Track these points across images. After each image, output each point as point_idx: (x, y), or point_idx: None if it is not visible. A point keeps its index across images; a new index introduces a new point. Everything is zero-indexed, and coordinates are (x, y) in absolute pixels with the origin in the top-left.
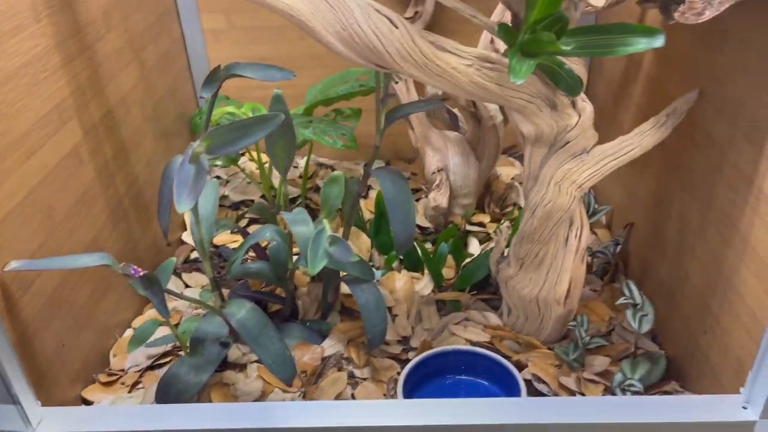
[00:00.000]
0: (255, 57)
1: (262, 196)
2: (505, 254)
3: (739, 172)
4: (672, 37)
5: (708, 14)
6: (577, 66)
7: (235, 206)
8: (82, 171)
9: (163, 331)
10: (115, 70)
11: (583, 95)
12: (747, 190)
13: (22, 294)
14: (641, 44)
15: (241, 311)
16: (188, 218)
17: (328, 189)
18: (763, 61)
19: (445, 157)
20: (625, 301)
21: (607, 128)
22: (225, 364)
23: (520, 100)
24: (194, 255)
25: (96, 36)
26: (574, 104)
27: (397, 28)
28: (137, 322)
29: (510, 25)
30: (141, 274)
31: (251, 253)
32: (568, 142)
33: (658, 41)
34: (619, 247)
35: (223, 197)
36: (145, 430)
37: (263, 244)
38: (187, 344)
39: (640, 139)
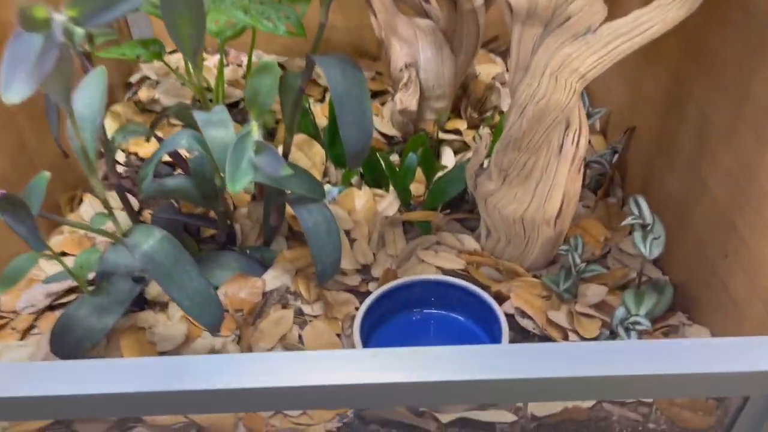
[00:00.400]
0: None
1: (198, 100)
2: (485, 165)
3: None
4: None
5: None
6: None
7: (162, 117)
8: None
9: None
10: None
11: None
12: None
13: None
14: None
15: (149, 240)
16: (107, 126)
17: (256, 81)
18: None
19: (414, 50)
20: (633, 221)
21: None
22: (142, 303)
23: None
24: (119, 168)
25: None
26: None
27: None
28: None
29: None
30: (2, 194)
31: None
32: (569, 18)
33: None
34: (617, 156)
35: (153, 101)
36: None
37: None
38: (87, 281)
39: (663, 12)
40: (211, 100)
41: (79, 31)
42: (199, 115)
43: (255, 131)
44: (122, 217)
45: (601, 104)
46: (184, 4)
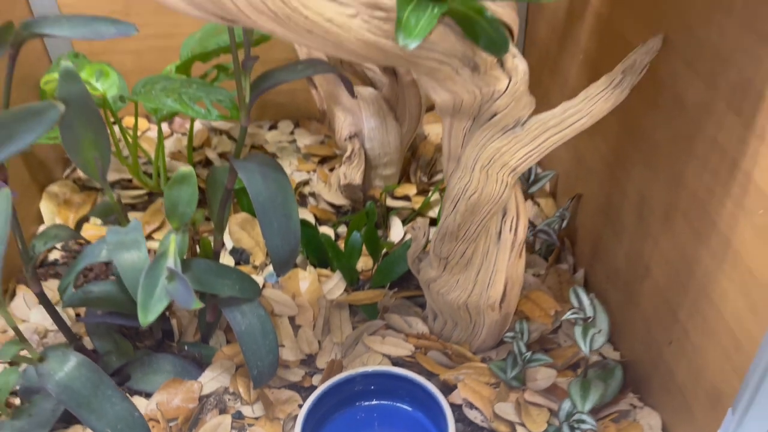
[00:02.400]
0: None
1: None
2: (426, 251)
3: (718, 151)
4: None
5: None
6: (503, 9)
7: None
8: None
9: None
10: None
11: (514, 50)
12: (729, 174)
13: None
14: None
15: (64, 367)
16: (44, 208)
17: (175, 193)
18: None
19: (358, 119)
20: (574, 316)
21: (549, 81)
22: (70, 419)
23: (429, 62)
24: (53, 255)
25: None
26: (502, 63)
27: None
28: None
29: None
30: None
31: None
32: (496, 114)
33: None
34: (565, 222)
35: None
36: None
37: None
38: (4, 404)
39: (590, 105)
40: (150, 175)
41: None
42: (110, 235)
43: (171, 252)
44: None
45: (549, 166)
46: (84, 126)
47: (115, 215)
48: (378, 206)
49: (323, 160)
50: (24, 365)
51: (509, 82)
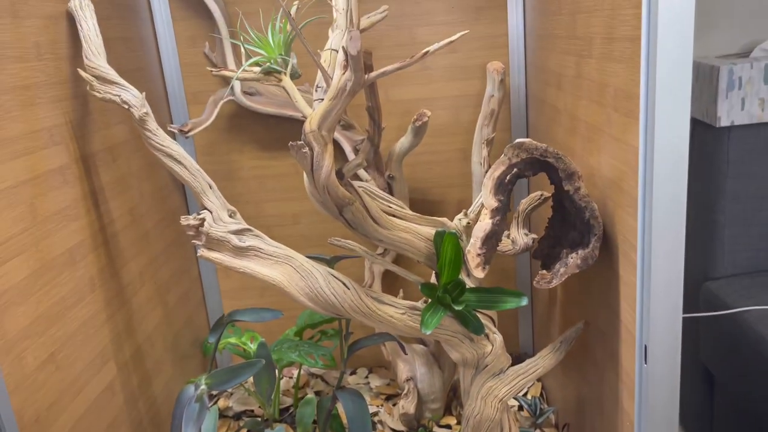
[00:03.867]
0: (260, 290)
1: (260, 407)
2: None
3: (616, 377)
4: (569, 289)
5: (555, 282)
6: (484, 316)
7: (237, 416)
8: (114, 401)
9: None
10: (145, 313)
11: (493, 329)
12: (615, 376)
13: None
14: (512, 303)
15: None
16: None
17: (302, 410)
18: (611, 312)
19: (413, 367)
20: None
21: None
22: None
23: (446, 335)
24: None
25: (133, 291)
26: (487, 336)
27: (348, 289)
28: None
29: (431, 283)
30: None
31: None
32: (487, 365)
33: (524, 301)
34: None
35: (227, 408)
36: None
37: None
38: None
39: (543, 361)
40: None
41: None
42: None
43: None
44: None
45: (554, 402)
46: (265, 373)
47: (263, 424)
48: (427, 431)
49: (388, 397)
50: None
51: (492, 347)
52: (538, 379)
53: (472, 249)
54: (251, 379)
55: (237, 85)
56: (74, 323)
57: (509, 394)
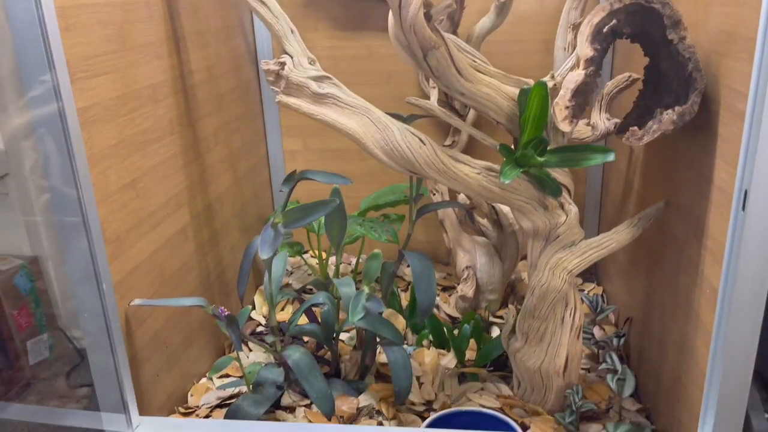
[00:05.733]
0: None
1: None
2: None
3: (691, 262)
4: (649, 161)
5: (646, 139)
6: (561, 177)
7: (298, 293)
8: (186, 245)
9: (230, 380)
10: (217, 174)
11: (569, 200)
12: (696, 274)
13: (137, 327)
14: (598, 159)
15: (296, 353)
16: (258, 298)
17: (369, 263)
18: (699, 175)
19: (473, 257)
20: (606, 367)
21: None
22: (278, 406)
23: (519, 201)
24: (259, 329)
25: (206, 148)
26: (562, 206)
27: (424, 144)
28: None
29: (508, 145)
30: (226, 314)
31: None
32: (558, 236)
33: (610, 156)
34: (622, 340)
35: (287, 285)
36: None
37: (317, 312)
38: (251, 383)
39: (617, 235)
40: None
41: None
42: (336, 281)
43: (366, 289)
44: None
45: (613, 303)
46: (336, 218)
47: (326, 280)
48: (482, 319)
49: (445, 288)
50: (263, 363)
51: (566, 218)
52: (599, 283)
53: (561, 101)
54: (314, 260)
55: None
56: (154, 158)
57: (579, 267)
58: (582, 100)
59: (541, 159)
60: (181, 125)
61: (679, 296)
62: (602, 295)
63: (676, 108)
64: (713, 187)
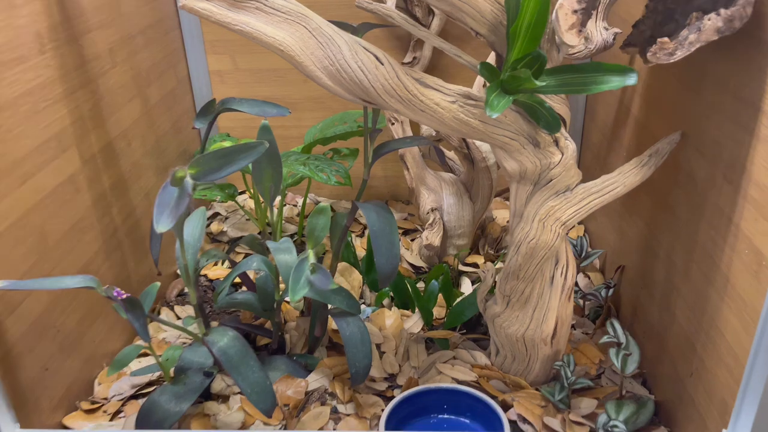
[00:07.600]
0: (258, 98)
1: (260, 233)
2: (493, 291)
3: (719, 212)
4: (657, 81)
5: (679, 54)
6: (558, 105)
7: (233, 242)
8: (78, 199)
9: (149, 361)
10: (118, 104)
11: (566, 134)
12: (726, 229)
13: (7, 315)
14: (615, 82)
15: (223, 339)
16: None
17: (314, 220)
18: (738, 101)
19: (439, 197)
20: (609, 340)
21: (599, 173)
22: (208, 395)
23: (504, 137)
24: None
25: (100, 71)
26: (557, 142)
27: (382, 64)
28: None
29: (491, 63)
30: (124, 296)
31: (244, 288)
32: (551, 180)
33: (631, 79)
34: (611, 291)
35: (222, 233)
36: None
37: (252, 276)
38: (171, 373)
39: (624, 177)
40: (270, 233)
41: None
42: (271, 244)
43: (311, 257)
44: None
45: (599, 245)
46: (267, 164)
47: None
48: (451, 269)
49: (406, 232)
50: (185, 345)
51: (562, 157)
52: (580, 223)
53: (566, 2)
54: (252, 202)
55: None
56: (14, 88)
57: (575, 217)
58: (591, 2)
59: (538, 83)
60: (56, 40)
61: (696, 251)
62: (584, 236)
63: (722, 11)
64: (762, 116)
